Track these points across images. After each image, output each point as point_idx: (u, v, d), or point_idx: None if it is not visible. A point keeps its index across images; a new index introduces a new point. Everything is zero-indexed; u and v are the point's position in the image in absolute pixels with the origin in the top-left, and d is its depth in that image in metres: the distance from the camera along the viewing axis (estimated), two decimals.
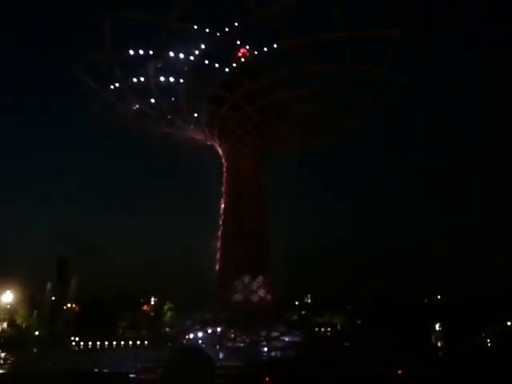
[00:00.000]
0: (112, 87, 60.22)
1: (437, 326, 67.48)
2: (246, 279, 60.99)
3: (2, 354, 48.21)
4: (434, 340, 61.34)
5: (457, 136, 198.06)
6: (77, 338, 60.05)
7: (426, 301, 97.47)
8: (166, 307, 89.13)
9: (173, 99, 62.72)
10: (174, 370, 2.74)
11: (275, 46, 55.99)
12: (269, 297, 62.13)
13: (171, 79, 59.82)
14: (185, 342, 55.03)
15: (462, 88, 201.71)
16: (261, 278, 61.42)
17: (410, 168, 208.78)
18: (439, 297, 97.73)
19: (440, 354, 43.37)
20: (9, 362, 44.19)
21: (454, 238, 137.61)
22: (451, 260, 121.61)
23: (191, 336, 56.83)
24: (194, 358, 2.80)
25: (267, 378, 26.29)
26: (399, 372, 28.46)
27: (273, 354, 50.92)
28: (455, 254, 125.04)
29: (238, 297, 60.54)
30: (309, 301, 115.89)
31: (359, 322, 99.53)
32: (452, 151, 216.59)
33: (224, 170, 67.59)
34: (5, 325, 76.76)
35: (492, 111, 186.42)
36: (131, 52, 55.58)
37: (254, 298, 60.96)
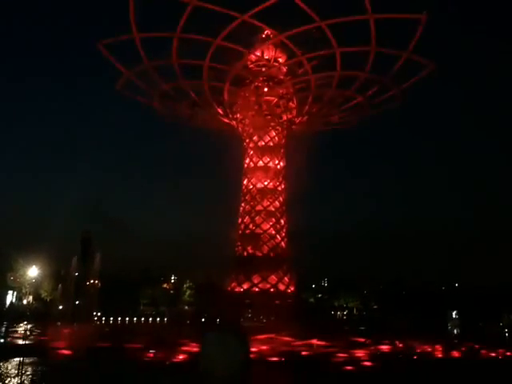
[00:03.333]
0: (137, 68, 60.74)
1: (453, 314, 67.32)
2: (264, 259, 61.88)
3: (29, 326, 49.72)
4: (450, 327, 61.35)
5: (482, 125, 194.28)
6: (99, 313, 61.83)
7: (444, 288, 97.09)
8: (185, 285, 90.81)
9: (196, 80, 62.92)
10: (212, 353, 2.76)
11: (299, 28, 55.48)
12: (286, 279, 62.91)
13: (195, 60, 59.99)
14: (203, 320, 56.32)
15: (489, 75, 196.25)
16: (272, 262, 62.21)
17: (434, 155, 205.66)
18: (457, 284, 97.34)
19: (455, 341, 43.51)
20: (34, 333, 45.65)
21: (473, 225, 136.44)
22: (470, 247, 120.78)
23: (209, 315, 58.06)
24: (232, 340, 2.82)
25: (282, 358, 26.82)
26: (414, 357, 28.84)
27: None
28: (474, 241, 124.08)
29: (255, 277, 61.51)
30: (325, 284, 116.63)
31: (375, 307, 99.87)
32: (477, 139, 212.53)
33: (246, 151, 67.95)
34: (30, 298, 79.61)
35: None
36: (156, 32, 55.89)
37: (272, 280, 61.83)
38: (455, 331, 57.65)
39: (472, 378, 20.81)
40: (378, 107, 67.51)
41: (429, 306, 72.28)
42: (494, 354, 29.92)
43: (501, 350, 30.95)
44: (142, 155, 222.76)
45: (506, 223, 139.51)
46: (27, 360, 23.40)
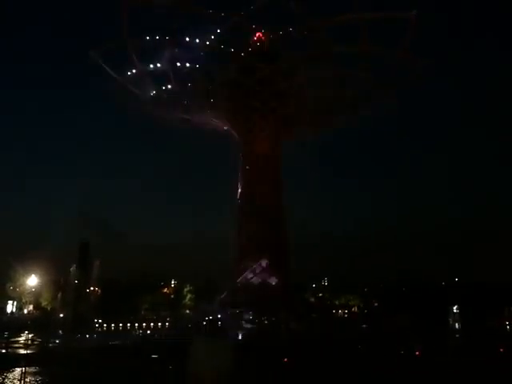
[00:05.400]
0: (129, 74, 60.71)
1: (454, 309, 67.28)
2: (263, 263, 61.84)
3: (30, 335, 49.49)
4: (451, 322, 61.36)
5: (479, 123, 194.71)
6: (100, 320, 61.63)
7: (444, 283, 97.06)
8: (185, 290, 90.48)
9: (189, 85, 62.96)
10: (199, 351, 2.89)
11: (291, 29, 55.64)
12: (285, 279, 62.87)
13: (187, 65, 60.05)
14: (204, 323, 56.12)
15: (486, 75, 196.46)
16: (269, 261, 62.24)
17: (431, 155, 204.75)
18: (457, 279, 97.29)
19: (457, 336, 43.62)
20: (35, 342, 45.42)
21: (473, 223, 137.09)
22: (469, 244, 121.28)
23: (210, 317, 57.91)
24: (216, 341, 2.91)
25: (286, 359, 26.84)
26: (417, 353, 28.88)
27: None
28: (473, 238, 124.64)
29: (255, 280, 61.52)
30: (326, 283, 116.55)
31: (376, 304, 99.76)
32: (473, 139, 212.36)
33: (241, 154, 67.87)
34: (31, 307, 79.17)
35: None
36: (148, 38, 55.99)
37: (272, 281, 61.83)
38: (456, 326, 57.70)
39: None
40: (373, 109, 67.79)
41: (429, 302, 72.18)
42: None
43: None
44: (138, 162, 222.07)
45: (506, 221, 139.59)
46: (29, 369, 23.39)
